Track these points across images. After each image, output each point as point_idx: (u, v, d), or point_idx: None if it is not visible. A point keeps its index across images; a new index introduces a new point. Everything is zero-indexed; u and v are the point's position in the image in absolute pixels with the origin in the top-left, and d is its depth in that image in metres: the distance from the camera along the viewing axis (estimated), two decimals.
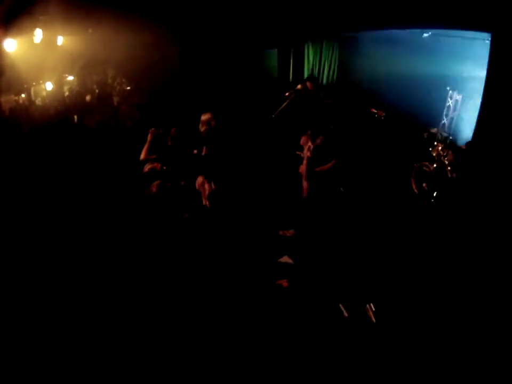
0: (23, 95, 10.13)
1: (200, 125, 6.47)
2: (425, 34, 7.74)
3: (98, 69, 12.13)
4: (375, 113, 9.77)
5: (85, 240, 5.50)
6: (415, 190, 8.20)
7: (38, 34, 8.04)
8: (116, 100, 11.90)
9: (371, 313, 5.05)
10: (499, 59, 3.60)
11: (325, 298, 5.25)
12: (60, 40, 9.15)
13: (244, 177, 7.21)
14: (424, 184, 7.96)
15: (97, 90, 12.55)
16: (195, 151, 6.24)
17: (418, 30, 7.62)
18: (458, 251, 4.24)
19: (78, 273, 4.91)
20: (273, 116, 6.27)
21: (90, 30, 9.61)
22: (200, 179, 4.97)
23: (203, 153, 6.18)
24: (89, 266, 5.01)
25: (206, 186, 4.77)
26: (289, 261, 5.95)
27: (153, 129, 5.78)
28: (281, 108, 6.36)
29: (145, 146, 5.70)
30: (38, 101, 11.01)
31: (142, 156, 5.62)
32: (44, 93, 11.56)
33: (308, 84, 9.35)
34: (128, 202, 5.82)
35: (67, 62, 10.17)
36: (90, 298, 4.51)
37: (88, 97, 11.45)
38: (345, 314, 5.04)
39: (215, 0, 9.34)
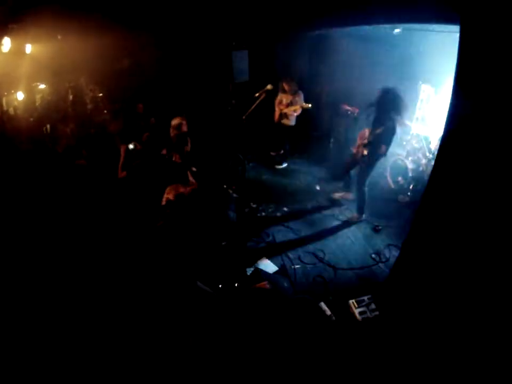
0: None
1: (170, 130, 6.45)
2: (396, 30, 7.77)
3: (71, 76, 11.93)
4: (348, 110, 9.81)
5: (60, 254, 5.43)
6: (391, 184, 8.27)
7: (6, 43, 7.87)
8: (89, 106, 11.79)
9: (354, 310, 5.06)
10: (467, 51, 3.61)
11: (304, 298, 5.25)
12: (29, 48, 8.98)
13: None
14: (399, 178, 8.02)
15: (70, 97, 12.40)
16: (164, 151, 6.24)
17: (388, 26, 7.65)
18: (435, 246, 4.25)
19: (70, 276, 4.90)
20: (243, 117, 6.24)
21: (59, 37, 9.44)
22: (173, 186, 4.94)
23: (174, 159, 6.17)
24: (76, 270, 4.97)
25: (180, 191, 4.73)
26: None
27: (125, 145, 5.77)
28: (251, 109, 6.33)
29: (120, 162, 5.68)
30: (10, 111, 10.83)
31: (119, 174, 5.63)
32: (16, 103, 11.40)
33: (284, 84, 9.33)
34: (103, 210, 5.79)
35: (37, 70, 9.98)
36: (87, 299, 4.52)
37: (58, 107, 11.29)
38: (328, 313, 5.04)
39: (182, 3, 9.27)
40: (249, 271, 5.66)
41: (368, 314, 4.99)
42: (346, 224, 7.35)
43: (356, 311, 5.03)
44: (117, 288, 4.58)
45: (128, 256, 4.75)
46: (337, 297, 5.34)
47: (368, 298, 5.20)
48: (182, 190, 4.69)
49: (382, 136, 6.46)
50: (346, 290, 5.51)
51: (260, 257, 6.06)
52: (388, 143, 6.54)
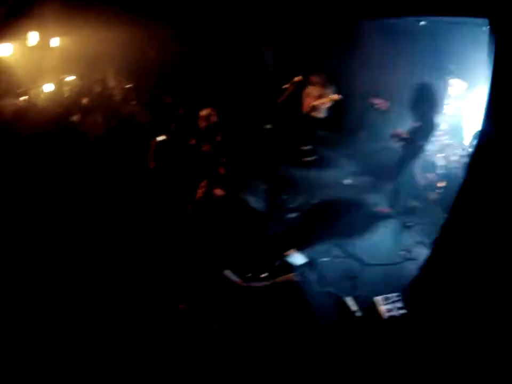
0: (22, 99, 10.08)
1: (199, 121, 6.46)
2: (422, 22, 7.60)
3: (98, 68, 12.02)
4: (378, 103, 9.62)
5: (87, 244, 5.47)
6: (421, 181, 8.11)
7: (33, 36, 7.96)
8: (117, 98, 11.84)
9: (380, 307, 4.99)
10: (499, 47, 3.49)
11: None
12: (56, 41, 9.07)
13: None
14: (429, 175, 7.87)
15: (98, 90, 12.49)
16: (193, 142, 6.25)
17: (414, 18, 7.50)
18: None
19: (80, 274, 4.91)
20: (272, 108, 6.22)
21: (87, 30, 9.51)
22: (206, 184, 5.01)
23: (204, 149, 6.19)
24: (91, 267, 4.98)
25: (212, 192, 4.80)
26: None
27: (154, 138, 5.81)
28: (280, 100, 6.29)
29: (150, 153, 5.70)
30: (38, 104, 10.96)
31: (150, 164, 5.67)
32: (43, 95, 11.53)
33: (314, 76, 9.21)
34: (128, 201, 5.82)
35: (65, 62, 10.09)
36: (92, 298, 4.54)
37: (85, 99, 11.37)
38: (353, 308, 4.98)
39: None
40: (278, 262, 5.64)
41: (395, 312, 4.91)
42: (376, 218, 7.24)
43: (382, 309, 4.95)
44: (144, 275, 4.62)
45: (156, 246, 4.80)
46: (364, 293, 5.28)
47: (395, 296, 5.12)
48: (215, 191, 4.74)
49: (420, 132, 6.33)
50: (374, 286, 5.43)
51: (288, 249, 6.02)
52: (426, 140, 6.41)
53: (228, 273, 4.72)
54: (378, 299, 5.09)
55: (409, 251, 6.33)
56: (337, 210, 7.49)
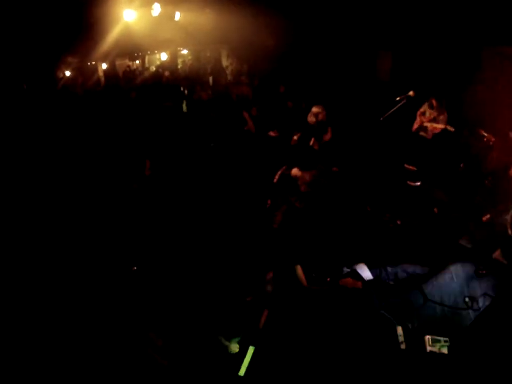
0: (137, 62, 10.73)
1: (309, 116, 6.55)
2: None
3: (212, 46, 12.42)
4: (485, 136, 9.05)
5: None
6: (509, 230, 7.57)
7: (156, 8, 8.39)
8: (227, 78, 12.17)
9: (427, 346, 4.79)
10: None
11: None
12: (178, 15, 9.49)
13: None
14: None
15: (209, 67, 12.94)
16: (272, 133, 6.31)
17: None
18: None
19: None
20: (381, 118, 6.12)
21: (207, 9, 9.86)
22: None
23: (311, 144, 6.28)
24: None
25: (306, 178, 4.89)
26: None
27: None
28: (390, 112, 6.16)
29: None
30: (152, 68, 11.58)
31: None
32: (158, 62, 12.17)
33: (433, 99, 8.83)
34: None
35: (182, 36, 10.53)
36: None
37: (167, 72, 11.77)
38: (401, 339, 4.83)
39: None
40: (346, 270, 5.58)
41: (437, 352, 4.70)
42: (454, 256, 6.87)
43: (428, 349, 4.75)
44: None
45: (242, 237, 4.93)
46: (417, 327, 5.08)
47: (444, 340, 4.88)
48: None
49: None
50: (428, 323, 5.21)
51: (359, 262, 5.94)
52: None
53: (298, 268, 4.77)
54: (427, 338, 4.89)
55: (474, 300, 5.96)
56: (419, 236, 7.20)
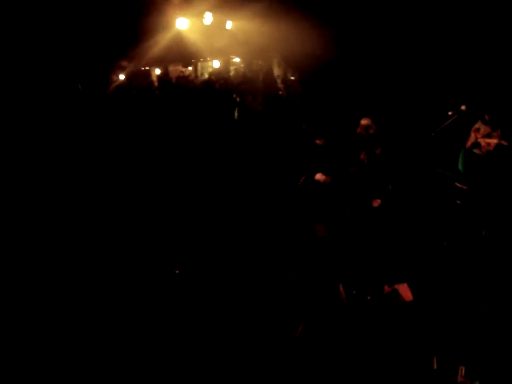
0: (189, 68, 11.16)
1: (358, 129, 6.49)
2: None
3: (264, 55, 12.65)
4: None
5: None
6: None
7: (208, 17, 8.74)
8: (279, 87, 12.33)
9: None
10: None
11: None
12: (229, 24, 9.80)
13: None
14: None
15: (261, 75, 13.18)
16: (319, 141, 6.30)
17: None
18: None
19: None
20: (432, 134, 6.08)
21: (260, 19, 10.09)
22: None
23: (361, 158, 6.19)
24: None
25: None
26: None
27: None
28: (442, 126, 6.12)
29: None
30: (204, 75, 12.01)
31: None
32: (210, 69, 12.58)
33: (488, 116, 8.62)
34: None
35: (234, 45, 10.83)
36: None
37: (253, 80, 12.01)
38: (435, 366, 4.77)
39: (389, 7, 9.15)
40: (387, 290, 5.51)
41: None
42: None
43: (459, 379, 4.67)
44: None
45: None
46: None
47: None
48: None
49: None
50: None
51: (402, 281, 5.82)
52: None
53: (341, 286, 4.76)
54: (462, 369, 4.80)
55: None
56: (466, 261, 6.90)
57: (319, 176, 5.40)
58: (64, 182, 6.22)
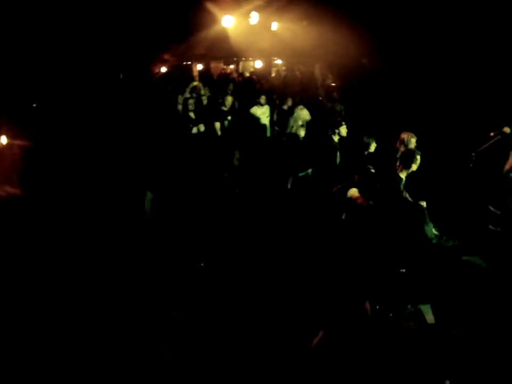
0: (231, 66, 11.20)
1: (397, 143, 6.35)
2: None
3: (307, 59, 12.59)
4: None
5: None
6: None
7: (254, 16, 8.74)
8: (319, 92, 12.27)
9: None
10: None
11: None
12: (275, 25, 9.79)
13: None
14: None
15: (302, 80, 13.13)
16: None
17: None
18: None
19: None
20: (473, 154, 5.93)
21: (305, 22, 10.07)
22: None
23: (398, 172, 6.06)
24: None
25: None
26: None
27: None
28: (483, 147, 5.97)
29: None
30: (245, 74, 12.01)
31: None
32: (252, 69, 12.60)
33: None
34: None
35: (278, 46, 10.81)
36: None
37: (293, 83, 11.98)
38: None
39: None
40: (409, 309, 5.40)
41: None
42: None
43: None
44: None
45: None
46: None
47: None
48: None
49: None
50: None
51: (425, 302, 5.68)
52: None
53: (367, 304, 4.67)
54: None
55: None
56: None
57: (353, 193, 5.20)
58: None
